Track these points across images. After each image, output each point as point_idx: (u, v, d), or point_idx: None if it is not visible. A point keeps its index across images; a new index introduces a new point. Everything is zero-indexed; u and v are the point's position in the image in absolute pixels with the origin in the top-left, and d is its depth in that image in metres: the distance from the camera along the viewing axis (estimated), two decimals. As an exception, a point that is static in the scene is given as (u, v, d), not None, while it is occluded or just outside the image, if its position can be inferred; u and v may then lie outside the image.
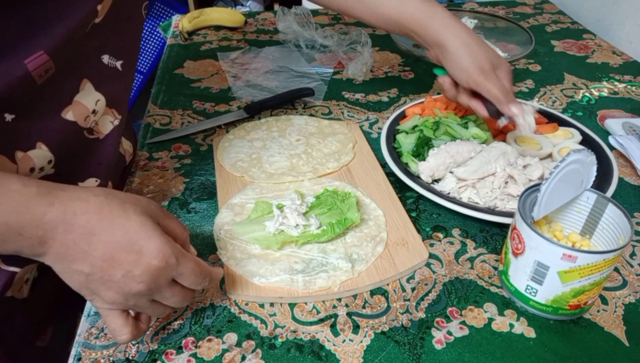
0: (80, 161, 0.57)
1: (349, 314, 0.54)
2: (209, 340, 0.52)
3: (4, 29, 0.43)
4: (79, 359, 0.50)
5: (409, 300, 0.56)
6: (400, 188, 0.71)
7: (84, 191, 0.43)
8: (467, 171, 0.68)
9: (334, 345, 0.51)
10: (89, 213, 0.42)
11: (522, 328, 0.53)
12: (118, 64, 0.57)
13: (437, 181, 0.71)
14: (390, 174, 0.73)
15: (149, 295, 0.45)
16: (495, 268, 0.60)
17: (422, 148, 0.73)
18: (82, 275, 0.43)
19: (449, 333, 0.53)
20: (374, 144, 0.80)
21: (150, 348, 0.51)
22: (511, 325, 0.53)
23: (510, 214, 0.64)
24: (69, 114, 0.53)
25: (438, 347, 0.51)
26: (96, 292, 0.44)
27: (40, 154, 0.51)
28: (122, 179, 0.73)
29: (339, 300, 0.56)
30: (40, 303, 0.61)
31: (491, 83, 0.67)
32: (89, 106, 0.54)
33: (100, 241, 0.42)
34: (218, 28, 1.23)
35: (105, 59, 0.55)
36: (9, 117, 0.47)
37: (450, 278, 0.59)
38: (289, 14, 1.16)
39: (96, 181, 0.60)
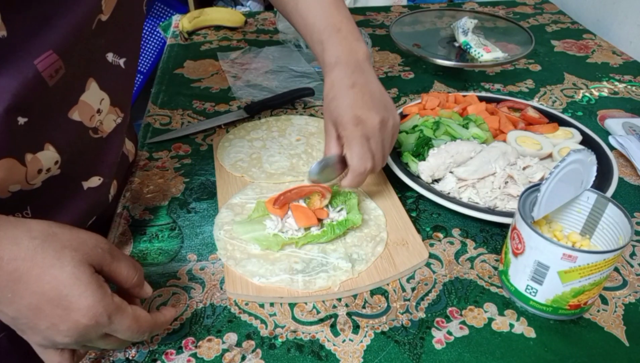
0: (85, 160, 0.57)
1: (349, 314, 0.54)
2: (209, 340, 0.52)
3: (13, 28, 0.42)
4: (79, 359, 0.50)
5: (409, 300, 0.56)
6: (400, 188, 0.71)
7: (20, 231, 0.40)
8: (467, 171, 0.68)
9: (334, 345, 0.51)
10: (17, 259, 0.39)
11: (522, 328, 0.53)
12: (121, 62, 0.56)
13: (437, 181, 0.71)
14: (390, 174, 0.73)
15: (77, 345, 0.43)
16: (495, 268, 0.60)
17: (422, 148, 0.73)
18: (7, 316, 0.41)
19: (449, 333, 0.53)
20: (374, 144, 0.80)
21: (150, 348, 0.51)
22: (511, 325, 0.53)
23: (510, 214, 0.64)
24: (75, 114, 0.52)
25: (438, 347, 0.51)
26: (25, 333, 0.42)
27: (48, 156, 0.51)
28: (125, 179, 0.73)
29: (339, 300, 0.56)
30: None
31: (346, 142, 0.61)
32: (94, 105, 0.54)
33: (27, 290, 0.39)
34: (218, 28, 1.23)
35: (110, 57, 0.55)
36: (21, 120, 0.46)
37: (450, 278, 0.59)
38: (289, 14, 1.16)
39: (99, 179, 0.60)
